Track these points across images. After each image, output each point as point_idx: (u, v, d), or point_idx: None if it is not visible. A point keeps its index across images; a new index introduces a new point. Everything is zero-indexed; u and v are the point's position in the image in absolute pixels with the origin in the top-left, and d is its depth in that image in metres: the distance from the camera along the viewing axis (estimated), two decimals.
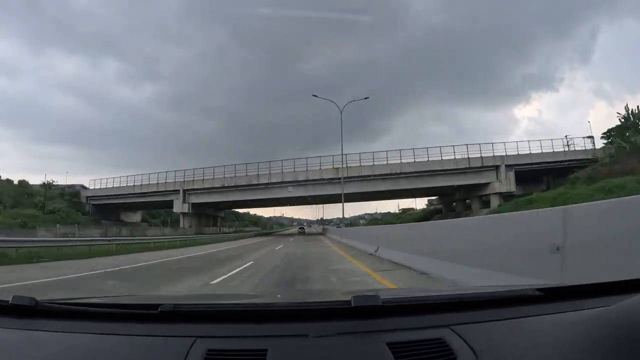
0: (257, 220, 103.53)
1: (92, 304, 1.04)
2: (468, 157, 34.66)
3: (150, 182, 41.61)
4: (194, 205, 38.94)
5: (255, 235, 40.81)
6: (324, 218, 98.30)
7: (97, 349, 0.83)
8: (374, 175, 32.82)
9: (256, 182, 34.21)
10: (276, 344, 0.80)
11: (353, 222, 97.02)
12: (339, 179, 32.74)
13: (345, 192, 32.94)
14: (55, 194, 45.47)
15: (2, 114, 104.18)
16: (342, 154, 28.61)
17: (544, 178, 37.27)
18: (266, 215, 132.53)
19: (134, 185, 42.78)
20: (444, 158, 34.46)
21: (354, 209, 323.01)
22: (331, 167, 32.78)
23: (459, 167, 34.11)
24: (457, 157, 34.55)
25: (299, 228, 63.12)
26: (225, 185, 35.80)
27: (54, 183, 47.36)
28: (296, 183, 33.27)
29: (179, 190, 39.12)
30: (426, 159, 34.10)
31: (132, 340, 0.85)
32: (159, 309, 0.90)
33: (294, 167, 33.30)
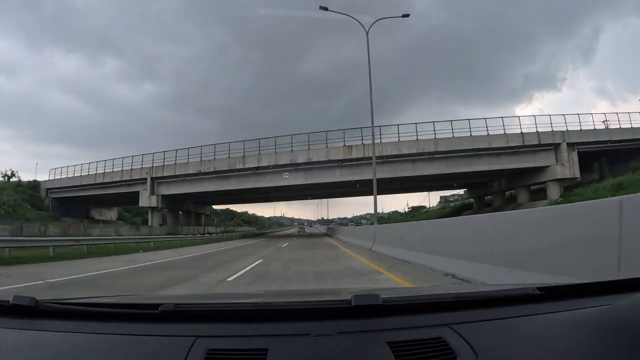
0: (255, 220, 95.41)
1: (92, 304, 1.03)
2: (522, 132, 26.10)
3: (114, 170, 33.30)
4: (165, 198, 30.52)
5: (240, 237, 32.24)
6: (326, 218, 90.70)
7: (97, 348, 0.83)
8: (400, 156, 24.29)
9: (241, 167, 25.74)
10: (277, 343, 0.79)
11: (356, 222, 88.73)
12: (352, 161, 24.22)
13: (357, 178, 24.46)
14: (10, 185, 37.66)
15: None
16: (371, 111, 16.51)
17: (594, 164, 29.00)
18: (266, 216, 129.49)
19: (95, 174, 34.64)
20: (490, 133, 25.92)
21: (351, 209, 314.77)
22: (341, 145, 24.27)
23: (510, 144, 25.55)
24: (507, 132, 26.01)
25: (299, 228, 57.79)
26: (202, 170, 27.34)
27: (14, 173, 39.58)
28: (294, 167, 24.74)
29: (145, 179, 30.74)
30: (468, 134, 25.53)
31: (133, 340, 0.84)
32: (159, 309, 0.90)
33: (292, 146, 24.81)
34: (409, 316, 0.91)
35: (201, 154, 27.80)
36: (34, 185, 41.31)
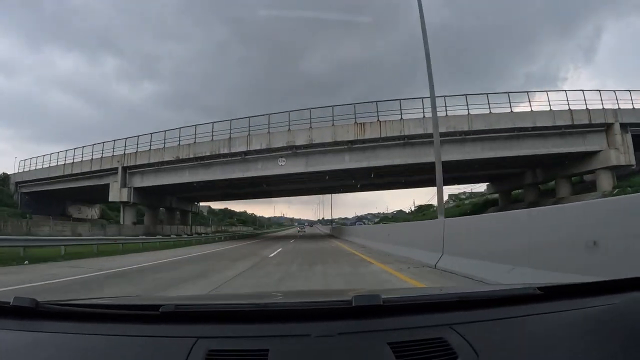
0: (253, 220, 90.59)
1: (93, 305, 1.03)
2: (570, 109, 21.16)
3: (84, 160, 28.46)
4: (139, 191, 25.61)
5: (227, 239, 27.17)
6: (327, 218, 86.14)
7: (98, 349, 0.82)
8: (426, 136, 19.31)
9: (226, 151, 20.76)
10: (277, 344, 0.79)
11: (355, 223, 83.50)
12: (365, 142, 19.23)
13: (372, 165, 19.50)
14: None
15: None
16: (429, 70, 9.32)
17: None
18: (266, 216, 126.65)
19: (64, 165, 29.84)
20: (534, 109, 21.00)
21: (352, 210, 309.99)
22: (352, 122, 19.25)
23: (557, 123, 20.58)
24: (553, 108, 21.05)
25: (298, 228, 53.86)
26: (180, 157, 22.38)
27: None
28: (292, 150, 19.75)
29: (116, 169, 25.86)
30: (508, 110, 20.55)
31: (133, 341, 0.84)
32: (159, 310, 0.89)
33: (289, 124, 19.81)
34: (409, 316, 0.90)
35: (179, 136, 22.85)
36: (2, 178, 36.79)
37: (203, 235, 33.44)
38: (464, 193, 70.84)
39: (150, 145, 24.40)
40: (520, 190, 33.26)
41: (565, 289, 1.03)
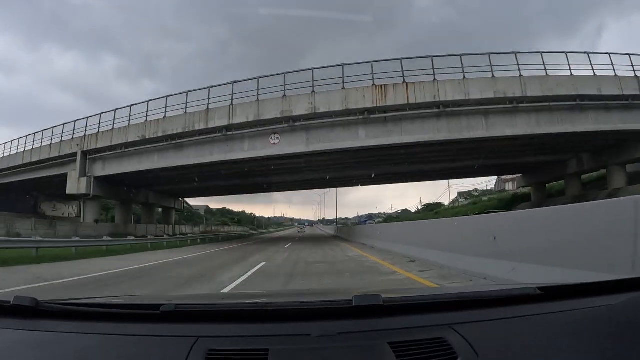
0: (252, 220, 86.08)
1: (93, 304, 1.02)
2: (636, 76, 16.51)
3: (44, 145, 23.88)
4: (102, 181, 20.92)
5: (210, 242, 22.25)
6: (331, 218, 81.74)
7: (98, 349, 0.82)
8: (466, 103, 14.54)
9: (203, 126, 15.95)
10: (278, 343, 0.79)
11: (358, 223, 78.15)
12: (387, 111, 14.48)
13: (396, 142, 14.75)
14: None
15: None
16: None
17: None
18: (266, 216, 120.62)
19: (23, 152, 25.35)
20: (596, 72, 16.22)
21: (352, 210, 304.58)
22: (370, 84, 14.42)
23: (625, 93, 15.96)
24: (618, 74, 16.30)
25: (298, 228, 50.33)
26: (147, 136, 17.59)
27: None
28: (288, 124, 14.90)
29: (75, 154, 21.16)
30: (568, 74, 15.79)
31: (134, 341, 0.84)
32: (160, 309, 0.89)
33: (284, 89, 14.98)
34: (409, 316, 0.90)
35: (147, 111, 18.07)
36: None
37: (189, 235, 28.79)
38: (476, 190, 66.08)
39: (114, 123, 19.66)
40: (555, 183, 28.60)
41: (565, 289, 1.02)
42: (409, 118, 14.28)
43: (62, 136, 23.09)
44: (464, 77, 14.63)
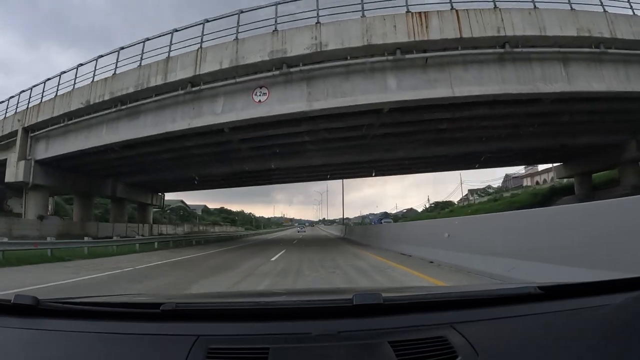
0: (250, 220, 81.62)
1: (94, 303, 1.01)
2: None
3: None
4: (47, 166, 16.48)
5: (184, 245, 17.52)
6: (327, 218, 77.54)
7: (98, 348, 0.82)
8: (540, 43, 9.90)
9: (161, 81, 11.35)
10: (278, 342, 0.79)
11: (360, 222, 73.11)
12: (427, 50, 9.83)
13: (442, 95, 10.07)
14: None
15: None
16: None
17: None
18: (266, 216, 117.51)
19: None
20: None
21: (354, 210, 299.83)
22: (403, 11, 9.79)
23: None
24: None
25: (298, 228, 46.67)
26: (92, 101, 13.01)
27: None
28: (281, 70, 10.25)
29: (16, 133, 16.72)
30: None
31: (134, 339, 0.84)
32: (160, 308, 0.89)
33: (276, 21, 10.39)
34: (410, 315, 0.90)
35: (95, 69, 13.50)
36: None
37: (169, 236, 24.24)
38: (490, 187, 61.15)
39: (57, 90, 15.11)
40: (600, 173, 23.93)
41: (565, 288, 1.02)
42: (460, 62, 9.64)
43: (6, 112, 18.69)
44: (535, 6, 10.02)
